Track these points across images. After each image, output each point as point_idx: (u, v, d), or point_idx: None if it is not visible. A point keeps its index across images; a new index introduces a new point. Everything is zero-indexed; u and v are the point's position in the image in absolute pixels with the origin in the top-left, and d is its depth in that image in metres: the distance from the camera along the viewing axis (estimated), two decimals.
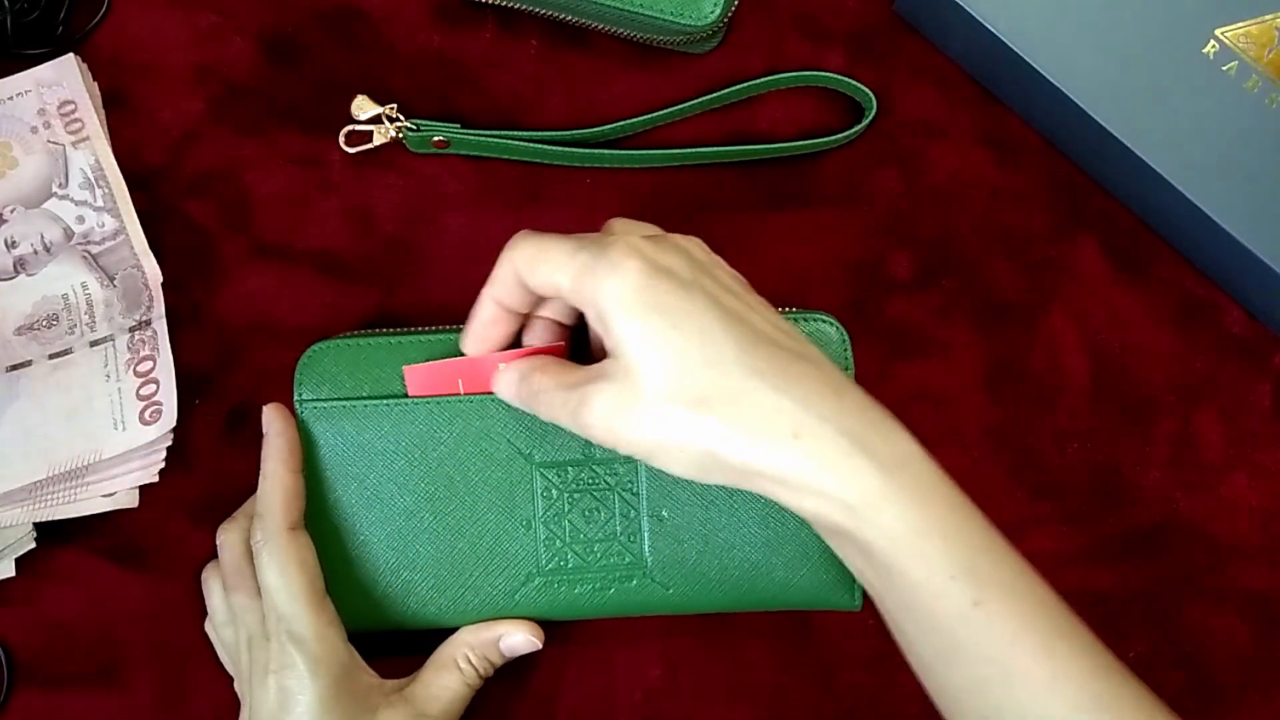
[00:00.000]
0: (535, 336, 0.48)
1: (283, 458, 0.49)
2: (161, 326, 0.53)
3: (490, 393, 0.48)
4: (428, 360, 0.50)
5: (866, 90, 0.55)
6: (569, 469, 0.50)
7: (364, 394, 0.50)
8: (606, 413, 0.41)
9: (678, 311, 0.40)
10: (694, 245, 0.44)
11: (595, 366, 0.43)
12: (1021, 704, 0.39)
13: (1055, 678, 0.39)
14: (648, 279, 0.40)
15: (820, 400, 0.40)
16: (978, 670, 0.39)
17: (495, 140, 0.55)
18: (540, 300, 0.47)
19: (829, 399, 0.40)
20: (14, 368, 0.53)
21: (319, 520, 0.50)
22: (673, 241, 0.43)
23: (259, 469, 0.49)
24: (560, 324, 0.48)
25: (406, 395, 0.50)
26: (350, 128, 0.55)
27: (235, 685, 0.51)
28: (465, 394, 0.50)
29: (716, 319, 0.40)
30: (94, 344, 0.53)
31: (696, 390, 0.40)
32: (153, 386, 0.53)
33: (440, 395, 0.50)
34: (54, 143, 0.54)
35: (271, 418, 0.50)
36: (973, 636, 0.39)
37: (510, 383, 0.46)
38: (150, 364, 0.53)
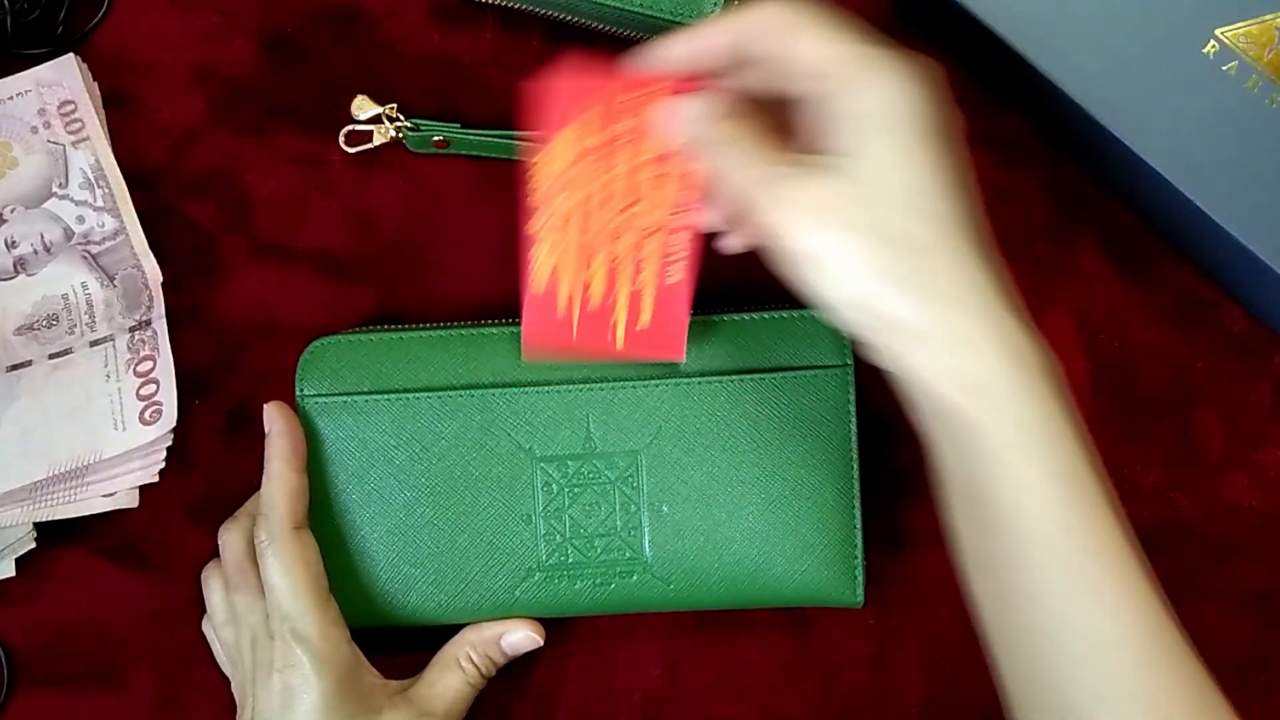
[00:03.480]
0: None
1: (286, 457, 0.49)
2: (161, 326, 0.53)
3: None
4: (430, 354, 0.50)
5: None
6: (569, 463, 0.50)
7: (365, 389, 0.50)
8: (813, 201, 0.38)
9: (943, 160, 0.39)
10: None
11: (807, 154, 0.40)
12: (1074, 615, 0.39)
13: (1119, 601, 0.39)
14: (943, 110, 0.39)
15: (1007, 292, 0.40)
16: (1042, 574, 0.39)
17: (495, 140, 0.55)
18: (741, 67, 0.42)
19: (1013, 294, 0.40)
20: (14, 368, 0.53)
21: (320, 515, 0.50)
22: None
23: (261, 468, 0.50)
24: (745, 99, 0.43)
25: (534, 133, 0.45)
26: (350, 128, 0.55)
27: (232, 686, 0.51)
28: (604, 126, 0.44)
29: (962, 184, 0.40)
30: (94, 344, 0.53)
31: (907, 229, 0.38)
32: (153, 386, 0.53)
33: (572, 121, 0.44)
34: (54, 143, 0.54)
35: (274, 416, 0.50)
36: (1052, 531, 0.39)
37: (689, 115, 0.42)
38: (150, 364, 0.53)
